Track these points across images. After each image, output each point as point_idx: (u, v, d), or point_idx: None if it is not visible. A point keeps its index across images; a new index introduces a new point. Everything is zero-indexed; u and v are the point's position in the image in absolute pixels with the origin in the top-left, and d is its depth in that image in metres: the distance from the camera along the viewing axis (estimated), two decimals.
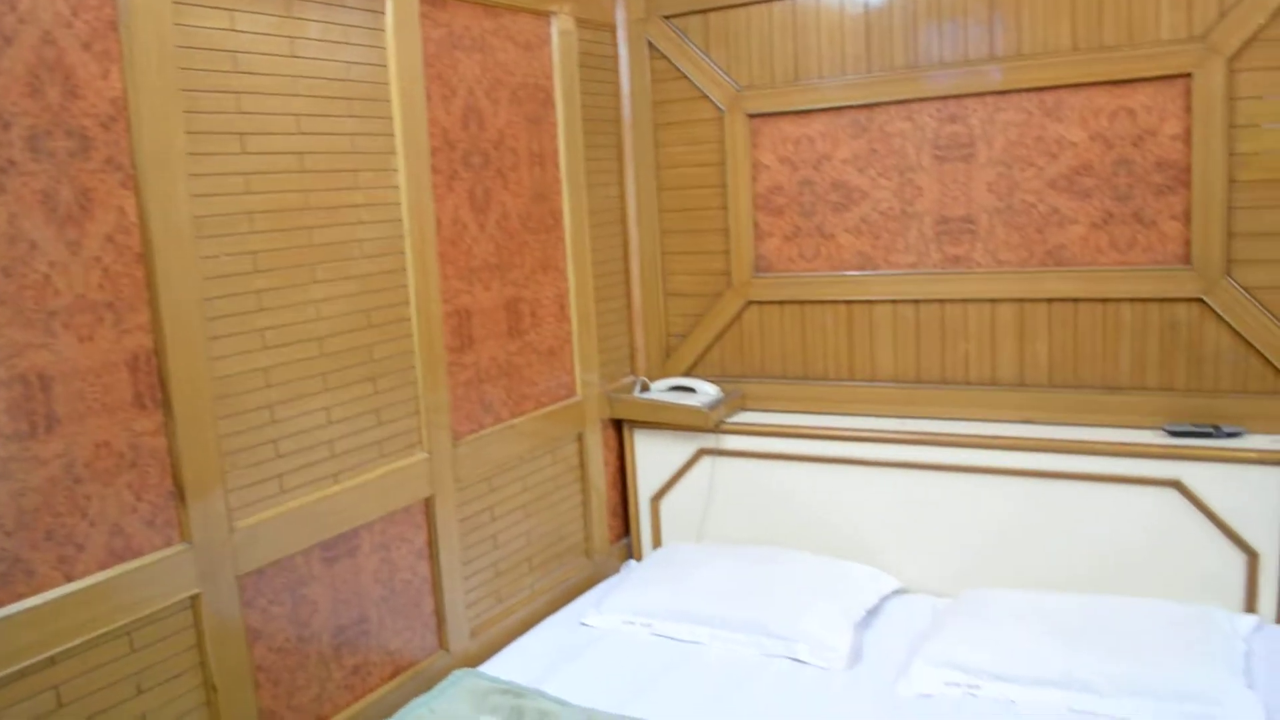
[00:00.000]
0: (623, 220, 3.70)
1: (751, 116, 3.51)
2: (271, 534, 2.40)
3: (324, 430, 2.55)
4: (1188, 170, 2.95)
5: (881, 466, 3.32)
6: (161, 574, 2.15)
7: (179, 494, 2.20)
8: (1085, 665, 2.58)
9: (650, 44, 3.64)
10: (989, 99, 3.17)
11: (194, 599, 2.23)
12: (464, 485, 2.99)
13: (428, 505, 2.87)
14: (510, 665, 2.92)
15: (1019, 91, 3.13)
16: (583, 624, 3.17)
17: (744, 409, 3.64)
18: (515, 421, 3.20)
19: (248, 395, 2.35)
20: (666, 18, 3.60)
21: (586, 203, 3.45)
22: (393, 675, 2.80)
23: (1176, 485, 2.94)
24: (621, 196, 3.69)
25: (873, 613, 3.11)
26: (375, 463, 2.70)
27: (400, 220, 2.73)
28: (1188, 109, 2.93)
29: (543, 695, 2.67)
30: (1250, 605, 2.94)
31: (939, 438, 3.23)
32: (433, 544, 2.89)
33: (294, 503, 2.46)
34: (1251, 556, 2.91)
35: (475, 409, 3.05)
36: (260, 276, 2.36)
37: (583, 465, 3.54)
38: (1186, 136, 2.94)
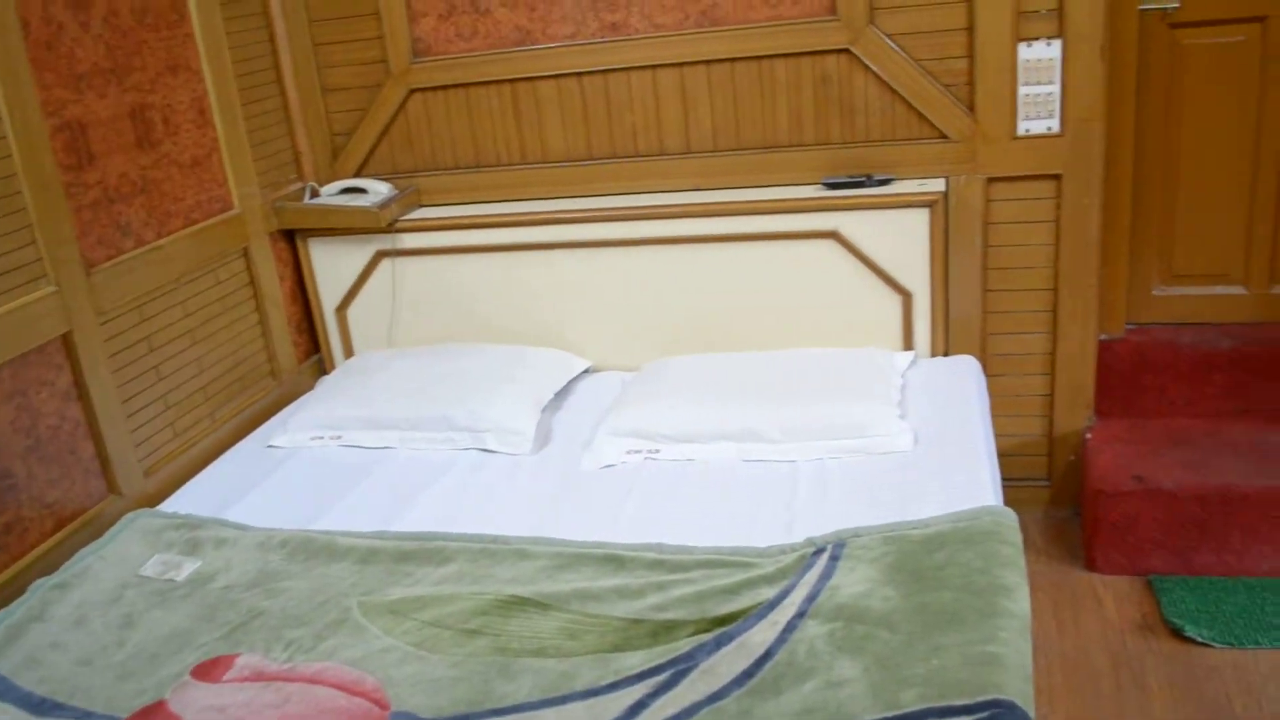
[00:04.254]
0: (265, 11, 3.35)
1: None
2: None
3: None
4: None
5: (561, 249, 3.28)
6: None
7: None
8: (756, 417, 2.69)
9: None
10: None
11: None
12: (109, 317, 2.75)
13: (66, 343, 2.62)
14: (191, 500, 2.77)
15: None
16: (270, 446, 3.04)
17: (419, 205, 3.48)
18: (162, 243, 2.93)
19: None
20: None
21: None
22: (56, 528, 2.60)
23: (835, 236, 3.04)
24: None
25: (562, 394, 3.13)
26: None
27: None
28: None
29: (222, 523, 2.56)
30: (907, 343, 3.13)
31: (612, 213, 3.21)
32: (80, 384, 2.66)
33: None
34: (906, 297, 3.08)
35: (109, 232, 2.77)
36: None
37: (254, 283, 3.32)
38: None
